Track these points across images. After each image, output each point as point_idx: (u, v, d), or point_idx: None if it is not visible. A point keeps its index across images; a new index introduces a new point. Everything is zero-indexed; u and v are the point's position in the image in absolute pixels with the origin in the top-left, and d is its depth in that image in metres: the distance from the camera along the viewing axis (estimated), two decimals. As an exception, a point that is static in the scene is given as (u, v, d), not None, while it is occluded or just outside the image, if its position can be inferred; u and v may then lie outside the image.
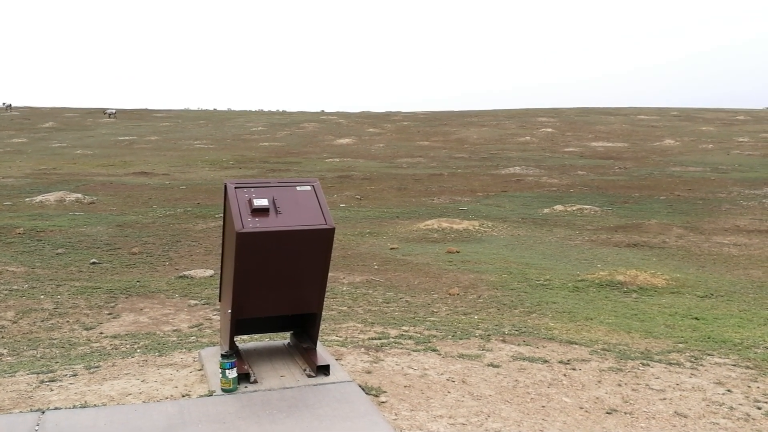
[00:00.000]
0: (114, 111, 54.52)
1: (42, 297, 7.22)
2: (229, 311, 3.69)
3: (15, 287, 7.62)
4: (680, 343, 5.55)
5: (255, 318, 3.98)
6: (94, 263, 9.20)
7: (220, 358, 3.57)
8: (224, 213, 3.79)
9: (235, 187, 3.64)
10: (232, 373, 3.58)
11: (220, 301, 4.21)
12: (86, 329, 6.12)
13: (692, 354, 5.13)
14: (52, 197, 15.30)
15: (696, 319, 6.46)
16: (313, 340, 4.04)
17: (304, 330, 4.20)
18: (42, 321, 6.38)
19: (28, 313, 6.57)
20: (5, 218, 12.64)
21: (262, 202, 3.55)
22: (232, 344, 3.85)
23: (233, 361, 3.58)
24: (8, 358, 5.17)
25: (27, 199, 15.22)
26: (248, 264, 3.52)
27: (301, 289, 3.73)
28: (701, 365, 4.80)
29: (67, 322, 6.38)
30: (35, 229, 11.55)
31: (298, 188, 3.74)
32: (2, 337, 5.86)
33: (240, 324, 3.97)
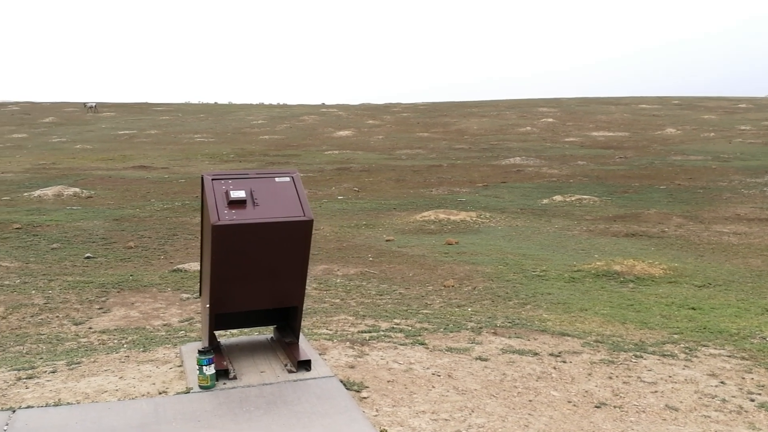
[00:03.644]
0: (94, 104, 52.95)
1: (33, 292, 7.14)
2: (208, 306, 3.61)
3: (7, 282, 7.54)
4: (675, 333, 5.46)
5: (236, 312, 3.90)
6: (88, 257, 9.14)
7: (197, 355, 3.49)
8: (202, 205, 3.71)
9: (212, 179, 3.55)
10: (210, 370, 3.50)
11: (200, 295, 4.13)
12: (75, 324, 6.05)
13: (687, 345, 5.04)
14: (50, 192, 15.24)
15: (693, 309, 6.37)
16: (296, 334, 3.96)
17: (287, 324, 4.12)
18: (31, 316, 6.31)
19: (18, 309, 6.50)
20: (3, 213, 12.58)
21: (238, 194, 3.46)
22: (212, 340, 3.76)
23: (211, 357, 3.50)
24: (-7, 354, 5.11)
25: (25, 194, 15.15)
26: (225, 257, 3.43)
27: (281, 282, 3.65)
28: (696, 356, 4.71)
29: (57, 317, 6.30)
30: (32, 224, 11.48)
31: (276, 179, 3.65)
32: (-11, 333, 5.79)
33: (221, 319, 3.89)
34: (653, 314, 6.21)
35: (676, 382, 4.09)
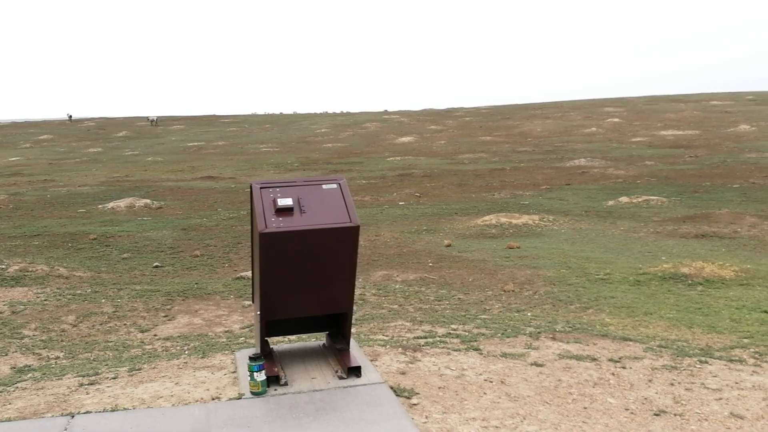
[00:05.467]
0: (155, 118, 57.13)
1: (103, 300, 7.40)
2: (259, 313, 3.66)
3: (79, 291, 7.84)
4: (745, 338, 5.24)
5: (288, 319, 3.94)
6: (156, 267, 9.41)
7: (248, 361, 3.54)
8: (251, 214, 3.77)
9: (261, 187, 3.60)
10: (261, 376, 3.54)
11: (252, 302, 4.20)
12: (141, 331, 6.24)
13: (757, 350, 4.82)
14: (122, 203, 15.77)
15: (765, 312, 6.10)
16: (346, 340, 3.97)
17: (338, 330, 4.14)
18: (101, 324, 6.53)
19: (89, 317, 6.74)
20: (79, 225, 13.10)
21: (286, 202, 3.50)
22: (264, 346, 3.81)
23: (261, 363, 3.54)
24: (63, 360, 5.31)
25: (100, 206, 15.74)
26: (273, 264, 3.47)
27: (329, 289, 3.66)
28: (766, 362, 4.49)
29: (124, 324, 6.51)
30: (105, 234, 11.91)
31: (323, 187, 3.67)
32: (61, 340, 6.03)
33: (273, 325, 3.94)
34: (722, 318, 5.97)
35: (742, 389, 3.91)
